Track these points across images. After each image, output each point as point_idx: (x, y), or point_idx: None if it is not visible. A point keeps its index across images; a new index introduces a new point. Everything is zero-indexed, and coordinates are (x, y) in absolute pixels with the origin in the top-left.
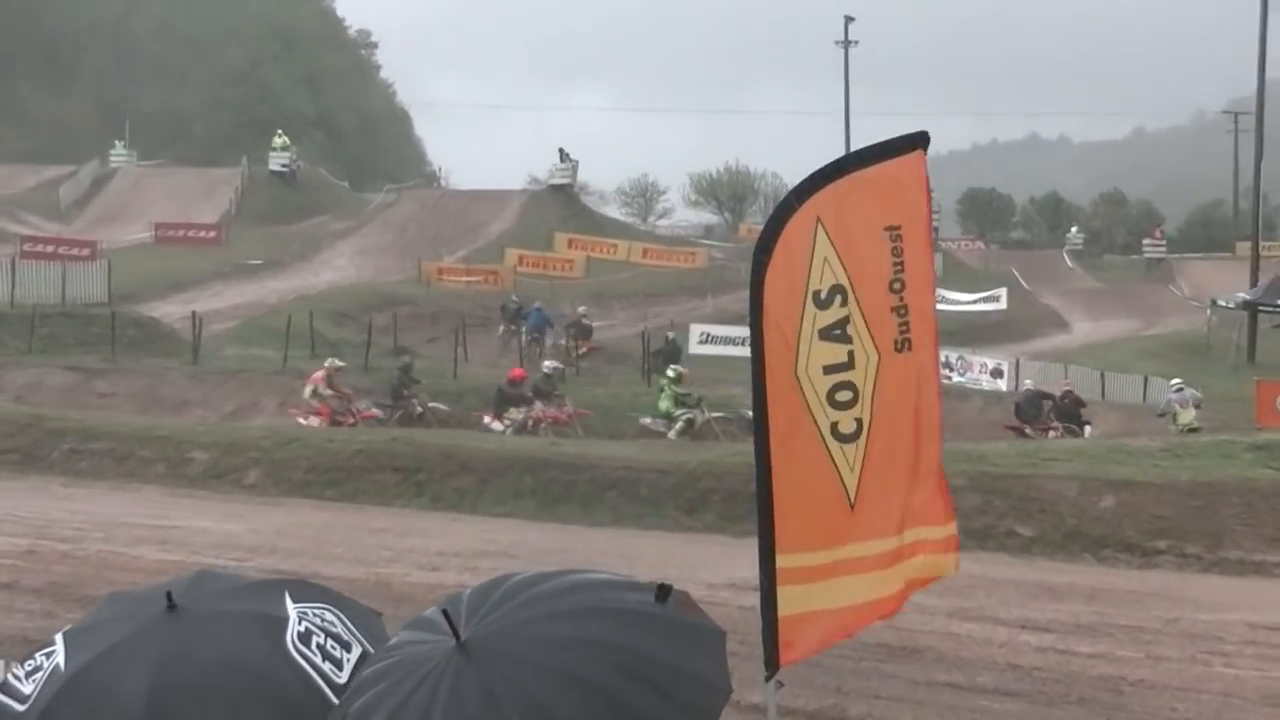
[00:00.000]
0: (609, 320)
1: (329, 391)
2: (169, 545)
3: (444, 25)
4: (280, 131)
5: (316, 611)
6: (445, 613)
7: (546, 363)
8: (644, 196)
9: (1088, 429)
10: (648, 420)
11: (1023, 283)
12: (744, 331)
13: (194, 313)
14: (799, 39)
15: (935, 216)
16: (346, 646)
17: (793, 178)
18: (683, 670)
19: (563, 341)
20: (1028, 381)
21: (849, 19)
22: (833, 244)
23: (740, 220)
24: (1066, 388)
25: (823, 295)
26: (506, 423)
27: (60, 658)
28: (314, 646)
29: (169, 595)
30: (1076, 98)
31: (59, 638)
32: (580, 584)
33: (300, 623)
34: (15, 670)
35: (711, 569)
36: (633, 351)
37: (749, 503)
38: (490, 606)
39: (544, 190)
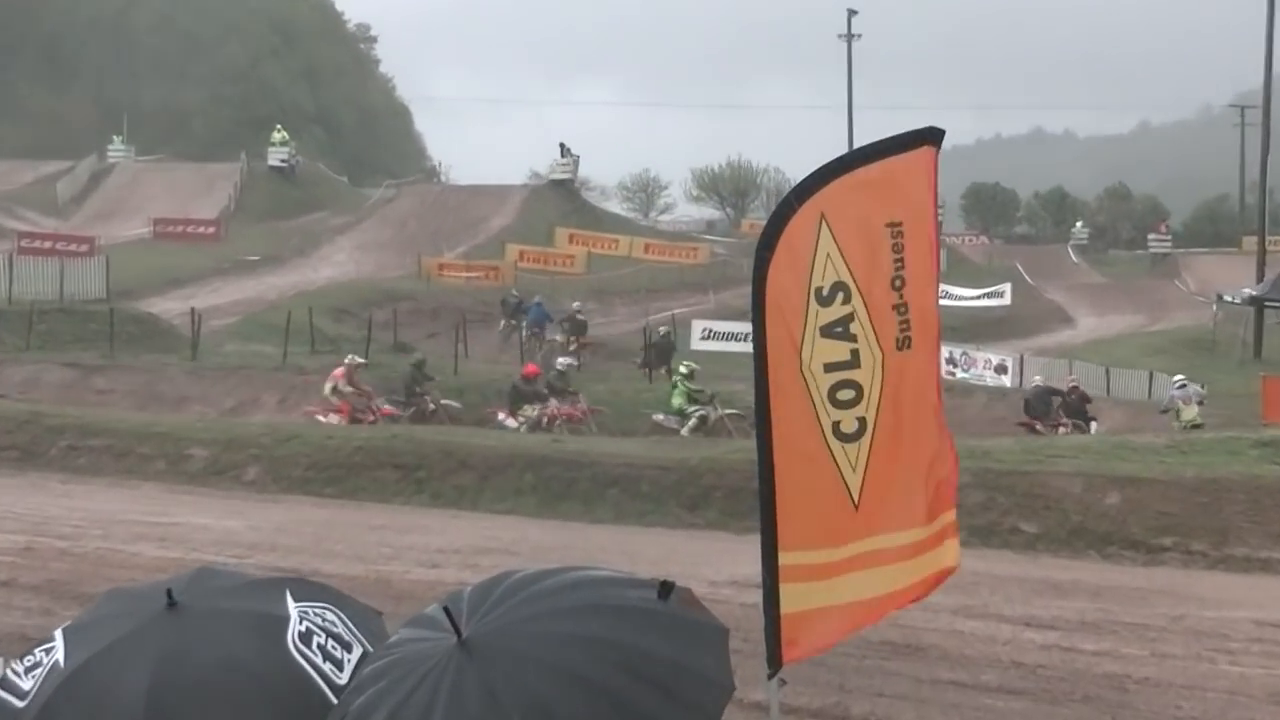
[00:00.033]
0: (610, 316)
1: (349, 388)
2: (168, 542)
3: (444, 19)
4: (279, 126)
5: (317, 611)
6: (447, 610)
7: (560, 359)
8: (646, 191)
9: (1093, 425)
10: (660, 417)
11: (1027, 278)
12: (746, 328)
13: (193, 309)
14: (801, 33)
15: (939, 211)
16: (347, 647)
17: (795, 173)
18: (685, 667)
19: (558, 337)
20: (1036, 378)
21: (852, 13)
22: (836, 240)
23: (742, 216)
24: (1073, 384)
25: (825, 292)
26: (521, 420)
27: (60, 654)
28: (315, 647)
29: (169, 593)
30: (1082, 92)
31: (58, 634)
32: (582, 581)
33: (301, 622)
34: (14, 666)
35: (714, 566)
36: (634, 347)
37: (751, 499)
38: (491, 604)
39: (545, 185)
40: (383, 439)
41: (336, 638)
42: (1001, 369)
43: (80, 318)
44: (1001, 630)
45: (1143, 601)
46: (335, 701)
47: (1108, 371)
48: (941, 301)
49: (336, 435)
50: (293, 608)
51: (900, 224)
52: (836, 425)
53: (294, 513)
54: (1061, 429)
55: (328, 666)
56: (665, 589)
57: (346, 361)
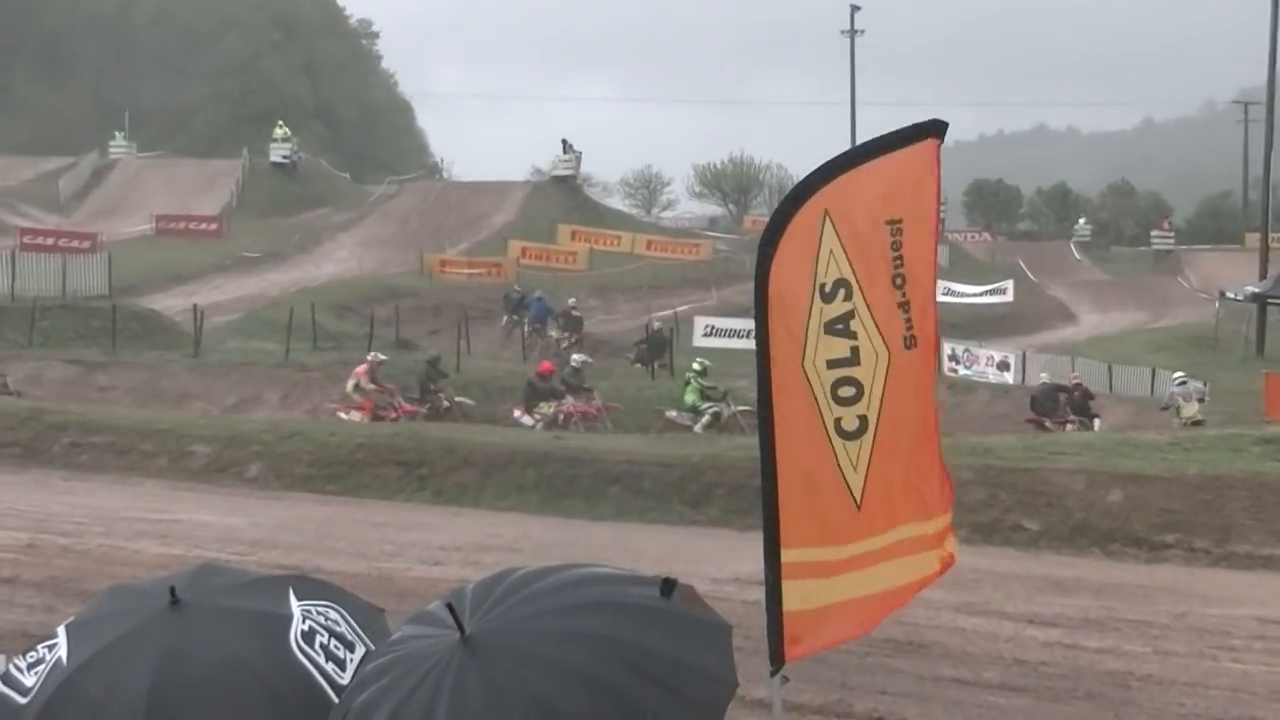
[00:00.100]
0: (612, 313)
1: (371, 385)
2: (170, 539)
3: (446, 15)
4: (281, 123)
5: (320, 610)
6: (450, 607)
7: (575, 356)
8: (648, 188)
9: (1096, 422)
10: (673, 414)
11: (1030, 275)
12: (748, 324)
13: (195, 305)
14: (804, 29)
15: (941, 207)
16: (350, 646)
17: (798, 169)
18: (688, 665)
19: (553, 333)
20: (1043, 375)
21: (855, 8)
22: (839, 237)
23: (745, 212)
24: (1075, 381)
25: (828, 288)
26: (537, 417)
27: (62, 651)
28: (317, 646)
29: (172, 590)
30: (1085, 88)
31: (61, 630)
32: (584, 578)
33: (304, 621)
34: (17, 662)
35: (716, 563)
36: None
37: (754, 496)
38: (494, 601)
39: (547, 182)
40: (384, 436)
41: (339, 637)
42: (1004, 366)
43: (82, 314)
44: (1004, 627)
45: (1145, 599)
46: (337, 701)
47: (1110, 368)
48: (944, 298)
49: (339, 432)
50: (295, 606)
51: (900, 221)
52: (838, 422)
53: (296, 510)
54: (1069, 426)
55: (330, 666)
56: (668, 586)
57: (369, 359)
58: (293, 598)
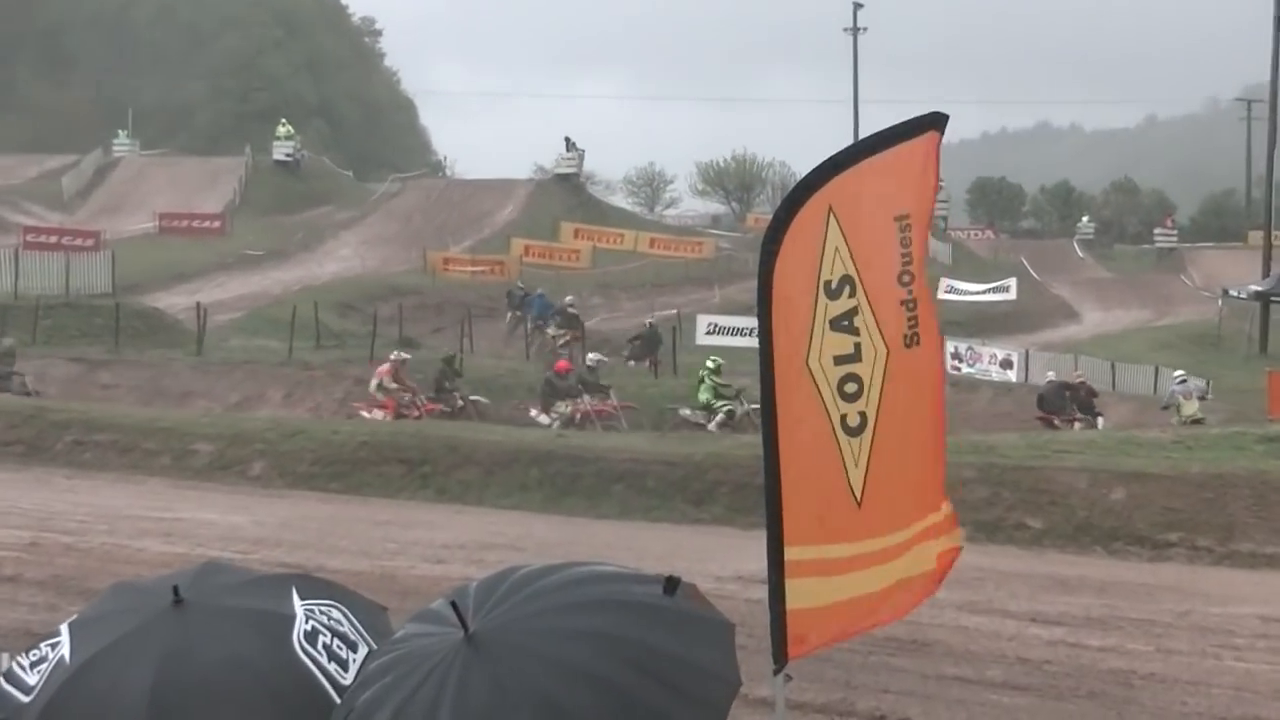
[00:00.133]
0: (615, 311)
1: (394, 384)
2: (173, 538)
3: (448, 13)
4: (284, 120)
5: (323, 609)
6: (454, 605)
7: (590, 355)
8: (651, 186)
9: (1100, 420)
10: (687, 412)
11: (1033, 273)
12: (751, 322)
13: (198, 303)
14: (807, 26)
15: (944, 205)
16: (353, 646)
17: (801, 167)
18: (691, 663)
19: (549, 331)
20: (1050, 373)
21: (858, 5)
22: (844, 233)
23: (747, 210)
24: (1079, 379)
25: (833, 285)
26: (554, 416)
27: (66, 649)
28: (320, 646)
29: (175, 590)
30: (1088, 86)
31: (64, 628)
32: (588, 576)
33: (307, 621)
34: (20, 660)
35: (719, 561)
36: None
37: (757, 495)
38: (497, 599)
39: (550, 180)
40: (387, 434)
41: (342, 637)
42: (1007, 364)
43: (86, 312)
44: (1007, 626)
45: (1148, 597)
46: (340, 701)
47: (1113, 366)
48: (947, 296)
49: (341, 430)
50: (298, 606)
51: (908, 216)
52: (844, 419)
53: (299, 508)
54: (1078, 424)
55: (333, 667)
56: (671, 584)
57: (392, 357)
58: (295, 597)
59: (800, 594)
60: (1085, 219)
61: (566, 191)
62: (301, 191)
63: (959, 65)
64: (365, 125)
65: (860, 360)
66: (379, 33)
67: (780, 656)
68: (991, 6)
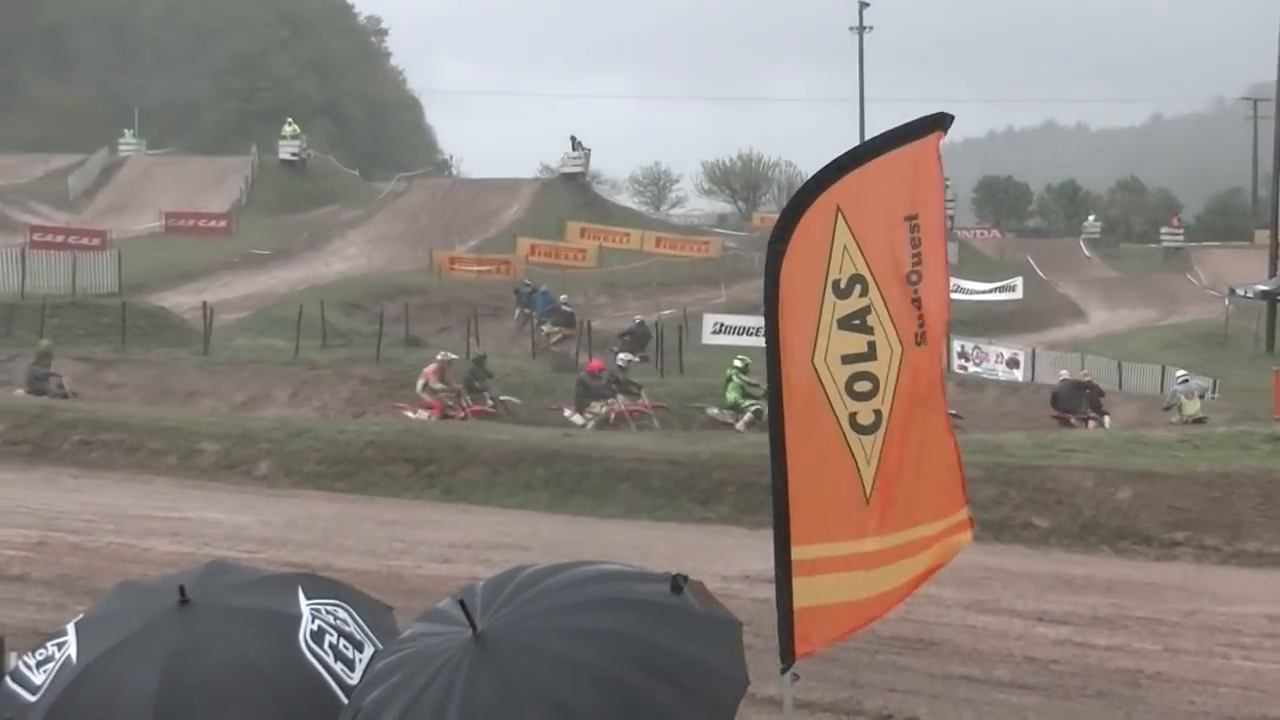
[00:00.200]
0: (621, 310)
1: (440, 385)
2: (180, 537)
3: (453, 12)
4: (290, 120)
5: (329, 609)
6: (462, 604)
7: (621, 355)
8: (657, 185)
9: (1107, 419)
10: (715, 411)
11: (1039, 272)
12: (758, 321)
13: (204, 303)
14: (813, 26)
15: (951, 205)
16: (359, 646)
17: (806, 166)
18: (698, 661)
19: (545, 328)
20: (1063, 372)
21: (864, 4)
22: (852, 233)
23: (754, 209)
24: (1087, 377)
25: (842, 284)
26: (589, 416)
27: (72, 649)
28: (326, 646)
29: (181, 590)
30: (1094, 84)
31: (70, 628)
32: (595, 575)
33: (313, 621)
34: (26, 659)
35: (725, 561)
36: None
37: (763, 494)
38: (505, 598)
39: (556, 179)
40: (394, 433)
41: (348, 636)
42: (1013, 363)
43: (92, 312)
44: (1014, 625)
45: (1155, 596)
46: (346, 702)
47: (1120, 366)
48: (953, 295)
49: (348, 430)
50: (304, 605)
51: (917, 216)
52: (854, 417)
53: (305, 507)
54: (1091, 422)
55: (339, 666)
56: (678, 583)
57: (439, 358)
58: (301, 597)
59: (807, 593)
60: (1091, 218)
61: (572, 191)
62: (307, 191)
63: (965, 64)
64: (371, 124)
65: (875, 359)
66: (384, 32)
67: (787, 655)
68: (997, 5)
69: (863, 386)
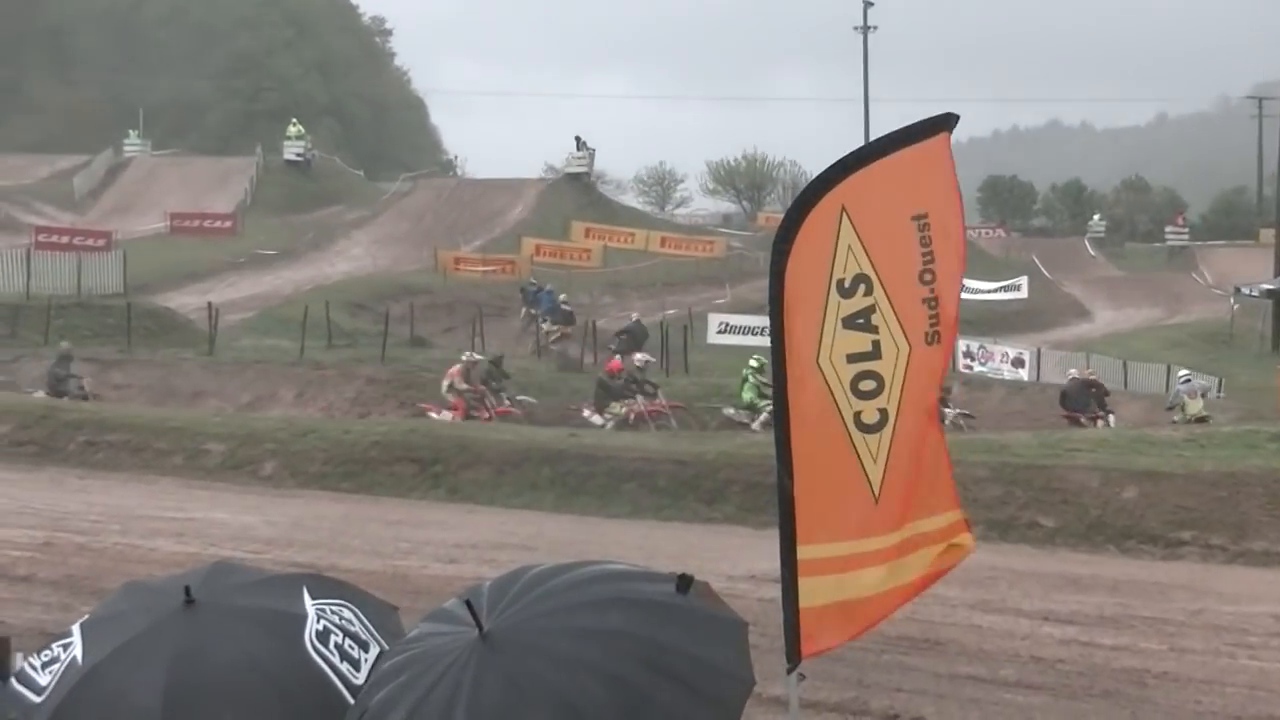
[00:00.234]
0: (626, 310)
1: (465, 386)
2: (186, 537)
3: (458, 12)
4: (295, 120)
5: (335, 609)
6: (469, 603)
7: (638, 355)
8: (661, 185)
9: (1111, 418)
10: (731, 411)
11: (1044, 271)
12: (763, 321)
13: (210, 303)
14: (818, 25)
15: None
16: (364, 646)
17: (811, 166)
18: (705, 661)
19: (544, 326)
20: (1071, 371)
21: (868, 4)
22: (857, 233)
23: (758, 209)
24: (1092, 376)
25: (847, 284)
26: (608, 417)
27: (77, 650)
28: (332, 646)
29: (187, 590)
30: (1099, 83)
31: (76, 629)
32: (601, 575)
33: (318, 621)
34: (32, 660)
35: (731, 561)
36: (649, 342)
37: (769, 494)
38: (511, 598)
39: (560, 179)
40: (399, 433)
41: (354, 636)
42: (1019, 362)
43: (97, 312)
44: (1020, 625)
45: (1161, 596)
46: (351, 702)
47: (1125, 365)
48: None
49: (353, 430)
50: (310, 605)
51: (926, 216)
52: (858, 416)
53: (311, 508)
54: (1100, 421)
55: (345, 667)
56: (684, 583)
57: (464, 358)
58: (307, 597)
59: (813, 592)
60: (1096, 217)
61: (577, 191)
62: (312, 191)
63: (970, 63)
64: (376, 125)
65: (880, 357)
66: (389, 32)
67: (793, 655)
68: (1002, 5)
69: (867, 385)
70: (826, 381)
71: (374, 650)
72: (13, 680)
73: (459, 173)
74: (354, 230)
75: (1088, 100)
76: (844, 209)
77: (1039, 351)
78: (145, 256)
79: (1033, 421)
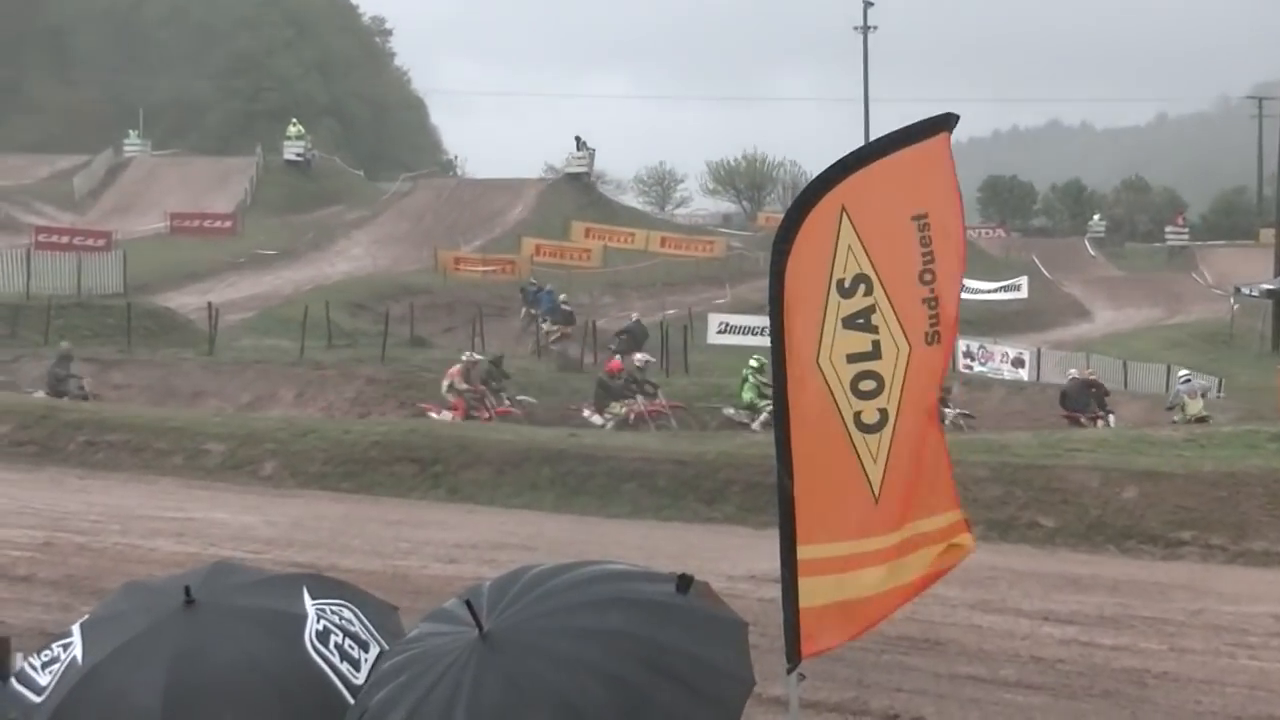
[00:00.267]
0: (626, 310)
1: (465, 386)
2: (186, 537)
3: (457, 12)
4: (295, 120)
5: (335, 609)
6: (469, 604)
7: (639, 355)
8: (661, 185)
9: (1111, 418)
10: (731, 411)
11: (1044, 271)
12: (763, 321)
13: (209, 303)
14: (818, 25)
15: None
16: (364, 646)
17: (811, 166)
18: (705, 661)
19: (543, 325)
20: (1072, 370)
21: (868, 4)
22: (857, 233)
23: (758, 209)
24: (1092, 376)
25: (846, 284)
26: (608, 417)
27: (77, 650)
28: (332, 646)
29: (187, 590)
30: (1099, 83)
31: (76, 629)
32: (601, 575)
33: (318, 621)
34: (32, 660)
35: (731, 561)
36: (650, 341)
37: (769, 494)
38: (511, 598)
39: (561, 179)
40: (399, 433)
41: (354, 636)
42: (1019, 363)
43: (97, 312)
44: (1020, 625)
45: (1161, 596)
46: (351, 702)
47: (1125, 365)
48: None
49: (353, 430)
50: (310, 605)
51: (926, 216)
52: (858, 416)
53: (311, 508)
54: (1100, 421)
55: (345, 666)
56: (684, 583)
57: (464, 358)
58: (307, 597)
59: (813, 592)
60: (1096, 217)
61: (577, 191)
62: (312, 191)
63: (970, 63)
64: (375, 125)
65: (880, 357)
66: (389, 32)
67: (793, 655)
68: (1001, 5)
69: (867, 385)
70: (826, 381)
71: (374, 650)
72: (13, 680)
73: (459, 173)
74: (354, 230)
75: (1088, 100)
76: (844, 209)
77: (1039, 351)
78: (145, 256)
79: (1032, 421)
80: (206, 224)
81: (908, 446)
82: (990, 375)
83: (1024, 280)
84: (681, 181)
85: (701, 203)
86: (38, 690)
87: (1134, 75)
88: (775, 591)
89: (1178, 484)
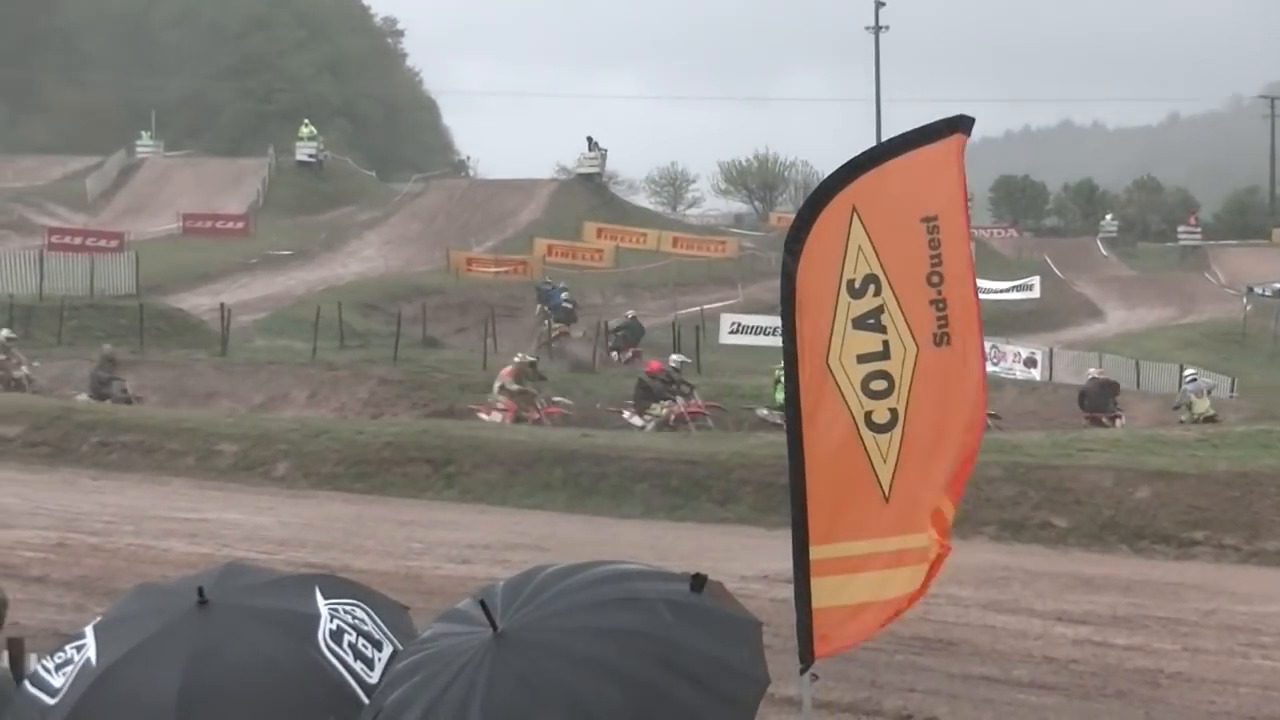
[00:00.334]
0: (638, 310)
1: (516, 387)
2: (199, 538)
3: (469, 13)
4: (307, 121)
5: (348, 609)
6: (483, 603)
7: (674, 356)
8: (673, 185)
9: (1120, 418)
10: (764, 412)
11: (1056, 271)
12: (775, 321)
13: (222, 304)
14: (829, 25)
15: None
16: (378, 645)
17: (823, 166)
18: (719, 660)
19: (545, 323)
20: (1091, 370)
21: (879, 4)
22: (868, 233)
23: (770, 209)
24: (1104, 376)
25: (857, 284)
26: (648, 418)
27: (91, 652)
28: (346, 645)
29: (200, 591)
30: (1110, 84)
31: (89, 630)
32: (614, 575)
33: (332, 620)
34: (45, 662)
35: (744, 561)
36: (662, 341)
37: (782, 494)
38: (525, 598)
39: (573, 179)
40: (412, 434)
41: (367, 636)
42: (1031, 362)
43: (110, 313)
44: (1033, 625)
45: (1174, 596)
46: (366, 701)
47: (1138, 365)
48: None
49: (366, 431)
50: (323, 605)
51: (936, 217)
52: (869, 415)
53: (323, 508)
54: (1118, 421)
55: (359, 666)
56: (698, 582)
57: (517, 359)
58: (319, 597)
59: (826, 593)
60: (1108, 217)
61: (589, 191)
62: (324, 192)
63: (982, 63)
64: (387, 125)
65: (889, 358)
66: (401, 33)
67: (806, 655)
68: (1013, 5)
69: (878, 385)
70: (837, 382)
71: (388, 649)
72: (26, 683)
73: (471, 173)
74: (366, 231)
75: (1100, 100)
76: (855, 209)
77: (1051, 351)
78: (158, 257)
79: (1045, 422)
80: (219, 225)
81: (920, 449)
82: (1003, 375)
83: (1036, 280)
84: (693, 182)
85: (713, 203)
86: (52, 692)
87: (1146, 75)
88: (788, 592)
89: (1191, 484)
